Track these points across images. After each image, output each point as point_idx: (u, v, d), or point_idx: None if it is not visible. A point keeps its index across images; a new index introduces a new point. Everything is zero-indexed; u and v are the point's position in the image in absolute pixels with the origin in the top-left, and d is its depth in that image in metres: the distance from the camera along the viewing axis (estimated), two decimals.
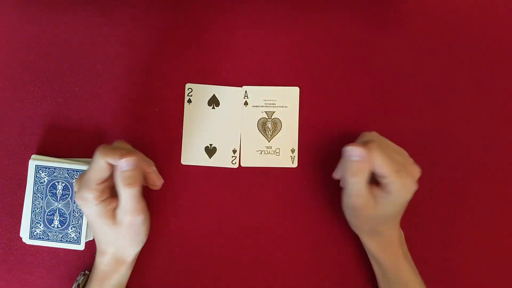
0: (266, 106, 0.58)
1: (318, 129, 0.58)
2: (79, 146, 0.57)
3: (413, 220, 0.58)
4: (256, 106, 0.58)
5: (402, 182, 0.50)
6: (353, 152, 0.50)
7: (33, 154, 0.56)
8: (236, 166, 0.57)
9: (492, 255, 0.58)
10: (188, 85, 0.57)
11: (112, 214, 0.49)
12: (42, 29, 0.57)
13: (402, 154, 0.52)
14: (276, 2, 0.58)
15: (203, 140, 0.57)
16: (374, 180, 0.51)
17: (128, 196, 0.48)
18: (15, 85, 0.57)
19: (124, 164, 0.47)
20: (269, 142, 0.57)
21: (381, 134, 0.55)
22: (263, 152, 0.57)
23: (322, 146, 0.58)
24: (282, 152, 0.57)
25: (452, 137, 0.59)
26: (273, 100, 0.58)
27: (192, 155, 0.57)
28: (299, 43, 0.58)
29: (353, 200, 0.51)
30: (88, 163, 0.55)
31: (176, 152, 0.57)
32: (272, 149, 0.57)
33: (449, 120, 0.59)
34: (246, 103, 0.57)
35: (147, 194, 0.55)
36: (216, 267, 0.57)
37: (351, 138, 0.56)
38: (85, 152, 0.57)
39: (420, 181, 0.58)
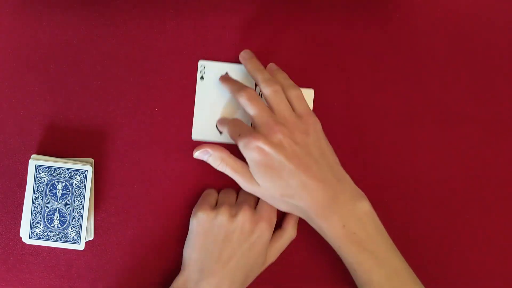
0: None
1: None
2: (79, 146, 0.57)
3: (410, 219, 0.58)
4: None
5: (241, 144, 0.51)
6: (199, 157, 0.54)
7: (33, 154, 0.56)
8: None
9: (492, 255, 0.58)
10: (201, 62, 0.57)
11: None
12: (42, 29, 0.57)
13: (267, 114, 0.51)
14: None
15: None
16: None
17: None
18: (15, 85, 0.57)
19: None
20: None
21: (378, 135, 0.55)
22: None
23: None
24: None
25: (452, 137, 0.59)
26: None
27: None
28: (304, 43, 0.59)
29: (240, 180, 0.53)
30: (89, 162, 0.56)
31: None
32: None
33: (450, 119, 0.59)
34: None
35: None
36: None
37: (351, 137, 0.56)
38: (85, 152, 0.57)
39: (420, 180, 0.58)
